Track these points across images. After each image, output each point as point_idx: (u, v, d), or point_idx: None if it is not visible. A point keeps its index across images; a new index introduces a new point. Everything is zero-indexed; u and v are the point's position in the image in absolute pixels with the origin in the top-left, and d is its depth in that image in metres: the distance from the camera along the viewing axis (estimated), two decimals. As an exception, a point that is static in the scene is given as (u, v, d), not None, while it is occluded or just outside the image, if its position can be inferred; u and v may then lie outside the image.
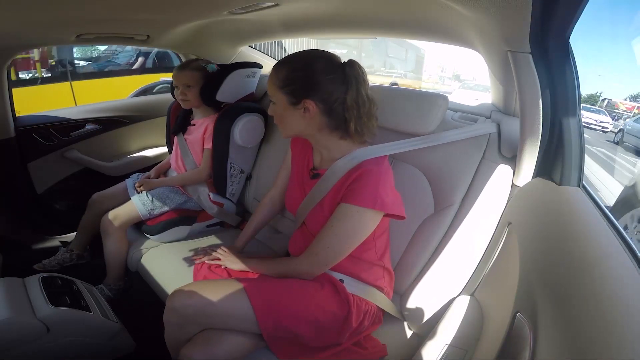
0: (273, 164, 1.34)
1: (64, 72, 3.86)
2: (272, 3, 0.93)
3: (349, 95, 0.75)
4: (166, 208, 1.26)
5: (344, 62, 0.78)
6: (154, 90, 3.81)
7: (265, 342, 0.74)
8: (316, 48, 0.80)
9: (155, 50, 4.30)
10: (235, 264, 0.89)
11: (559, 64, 0.71)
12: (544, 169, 0.82)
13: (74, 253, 1.35)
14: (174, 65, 3.45)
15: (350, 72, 0.75)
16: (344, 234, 0.75)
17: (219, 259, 0.92)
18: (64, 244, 1.52)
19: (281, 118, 0.80)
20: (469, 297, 0.83)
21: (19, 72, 3.68)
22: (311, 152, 0.90)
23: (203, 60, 1.34)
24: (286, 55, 0.82)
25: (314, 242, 0.79)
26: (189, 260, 1.06)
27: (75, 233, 1.38)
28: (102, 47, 4.42)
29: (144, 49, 4.17)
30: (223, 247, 0.96)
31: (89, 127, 1.66)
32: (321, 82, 0.74)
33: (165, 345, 0.79)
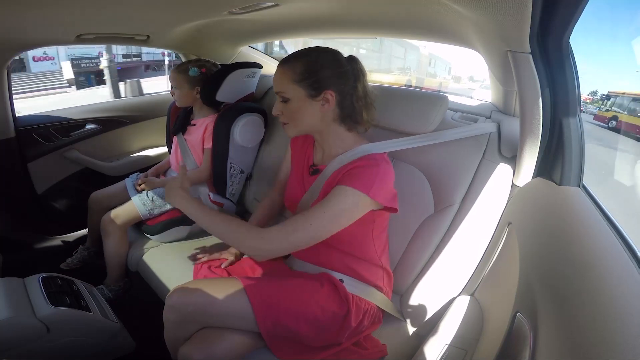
0: (273, 164, 1.34)
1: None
2: (272, 3, 0.93)
3: (359, 86, 0.79)
4: (166, 208, 1.26)
5: (346, 57, 0.80)
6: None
7: (265, 341, 0.74)
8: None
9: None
10: (177, 198, 0.78)
11: (559, 64, 0.71)
12: (544, 169, 0.82)
13: (91, 250, 1.39)
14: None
15: (356, 66, 0.79)
16: (331, 212, 0.71)
17: (219, 259, 0.92)
18: (65, 243, 1.52)
19: (295, 114, 0.77)
20: (469, 297, 0.83)
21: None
22: (311, 150, 0.90)
23: (196, 61, 1.31)
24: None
25: (294, 218, 0.71)
26: (189, 260, 1.06)
27: (75, 233, 1.38)
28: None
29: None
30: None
31: (89, 127, 1.66)
32: (337, 74, 0.77)
33: (165, 345, 0.79)
